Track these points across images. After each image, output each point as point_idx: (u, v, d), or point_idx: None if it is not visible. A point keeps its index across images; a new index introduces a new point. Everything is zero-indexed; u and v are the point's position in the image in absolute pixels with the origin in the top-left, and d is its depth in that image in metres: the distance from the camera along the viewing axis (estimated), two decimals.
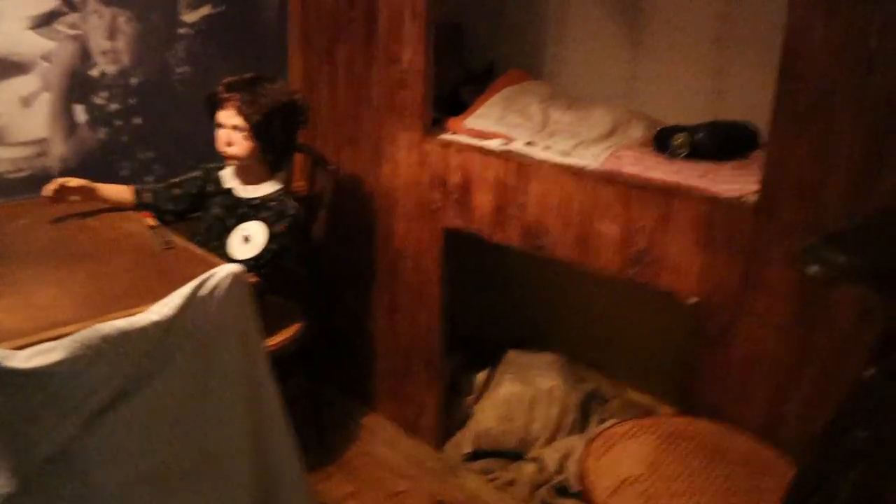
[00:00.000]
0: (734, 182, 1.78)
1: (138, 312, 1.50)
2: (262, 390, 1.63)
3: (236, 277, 1.50)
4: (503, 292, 3.02)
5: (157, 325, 1.39)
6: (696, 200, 1.78)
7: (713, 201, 1.76)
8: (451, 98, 2.64)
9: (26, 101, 2.30)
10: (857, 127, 1.54)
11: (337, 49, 2.56)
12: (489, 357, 2.81)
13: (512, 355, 2.74)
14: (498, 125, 2.25)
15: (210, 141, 2.22)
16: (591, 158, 1.99)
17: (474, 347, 2.90)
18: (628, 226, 1.90)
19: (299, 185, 2.67)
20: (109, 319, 1.46)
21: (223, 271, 1.49)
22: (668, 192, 1.82)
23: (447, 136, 2.32)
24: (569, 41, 2.70)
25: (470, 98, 2.55)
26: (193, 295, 1.44)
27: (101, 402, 1.36)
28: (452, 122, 2.35)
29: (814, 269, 0.90)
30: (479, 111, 2.35)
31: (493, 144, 2.19)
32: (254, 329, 1.59)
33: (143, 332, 1.38)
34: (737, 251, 1.74)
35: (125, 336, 1.35)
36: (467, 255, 2.51)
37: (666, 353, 2.57)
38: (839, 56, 1.54)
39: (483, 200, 2.21)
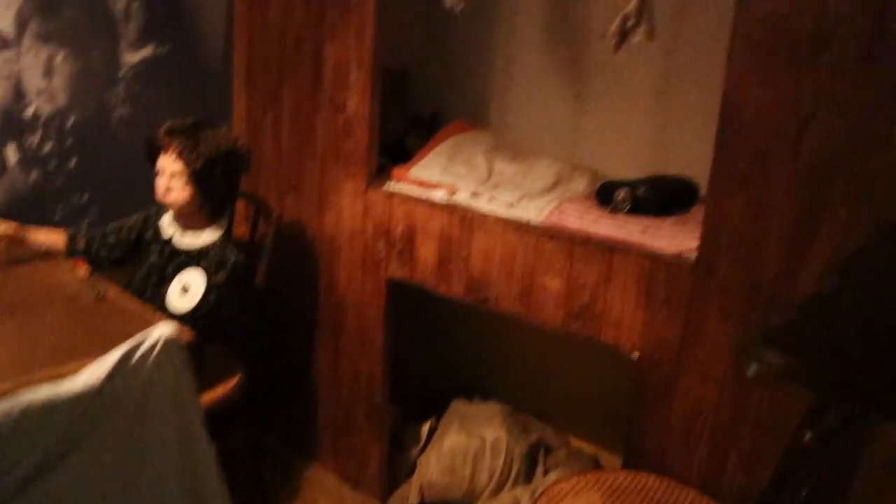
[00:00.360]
0: (674, 238, 1.80)
1: (68, 372, 1.44)
2: (198, 455, 1.57)
3: (170, 340, 1.44)
4: (449, 340, 3.00)
5: (84, 394, 1.33)
6: (638, 256, 1.80)
7: (654, 257, 1.78)
8: (397, 146, 2.64)
9: None
10: (792, 188, 1.58)
11: (282, 94, 2.54)
12: (434, 406, 2.78)
13: (457, 405, 2.72)
14: (442, 176, 2.25)
15: (150, 185, 2.16)
16: (534, 212, 2.00)
17: (419, 397, 2.87)
18: (571, 280, 1.90)
19: (241, 231, 2.62)
20: (37, 379, 1.40)
21: (156, 334, 1.43)
22: (611, 248, 1.84)
23: (392, 186, 2.31)
24: (514, 92, 2.74)
25: (415, 147, 2.55)
26: (125, 360, 1.38)
27: (23, 475, 1.28)
28: (397, 172, 2.35)
29: (754, 368, 0.91)
30: (423, 161, 2.35)
31: (438, 195, 2.18)
32: (189, 393, 1.53)
33: (70, 401, 1.31)
34: (677, 307, 1.76)
35: (49, 407, 1.28)
36: (412, 302, 2.49)
37: (610, 402, 2.58)
38: (773, 119, 1.59)
39: (427, 252, 2.20)
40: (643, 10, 1.71)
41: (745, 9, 1.61)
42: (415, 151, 2.50)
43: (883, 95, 1.47)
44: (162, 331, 1.43)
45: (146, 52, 2.55)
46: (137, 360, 1.39)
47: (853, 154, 1.51)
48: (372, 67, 2.25)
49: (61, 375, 1.42)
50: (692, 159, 2.20)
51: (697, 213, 1.95)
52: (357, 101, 2.30)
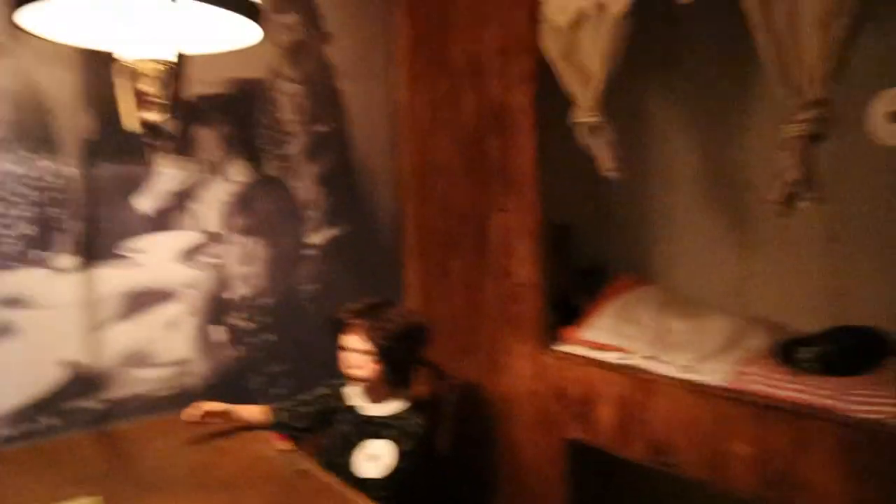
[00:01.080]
0: (872, 402, 1.72)
1: None
2: None
3: None
4: (633, 497, 2.92)
5: None
6: (834, 423, 1.73)
7: (853, 424, 1.70)
8: (562, 301, 2.71)
9: (173, 325, 2.52)
10: None
11: (450, 263, 2.71)
12: None
13: None
14: (613, 337, 2.29)
15: (335, 354, 2.34)
16: (713, 374, 1.99)
17: None
18: (761, 447, 1.85)
19: (419, 391, 2.74)
20: None
21: None
22: (802, 413, 1.78)
23: (563, 348, 2.36)
24: (676, 240, 2.77)
25: (580, 302, 2.61)
26: None
27: None
28: (567, 333, 2.41)
29: None
30: (593, 321, 2.40)
31: (611, 357, 2.22)
32: None
33: None
34: (887, 479, 1.65)
35: None
36: (593, 458, 2.47)
37: None
38: None
39: (605, 414, 2.21)
40: (810, 177, 1.73)
41: None
42: (580, 307, 2.56)
43: None
44: None
45: (328, 232, 2.82)
46: None
47: None
48: (537, 236, 2.38)
49: None
50: (874, 306, 2.12)
51: (890, 369, 1.86)
52: (524, 269, 2.42)
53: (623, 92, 2.24)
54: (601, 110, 2.21)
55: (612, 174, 2.24)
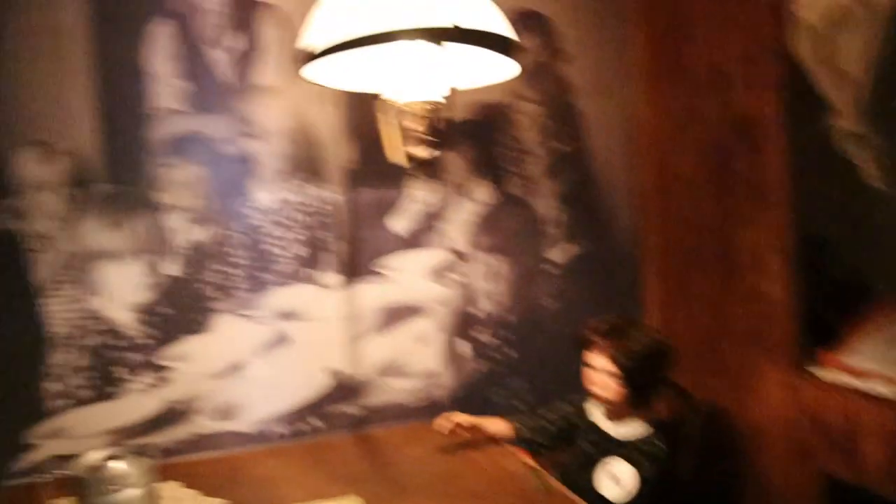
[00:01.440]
0: None
1: None
2: None
3: None
4: None
5: None
6: None
7: None
8: (815, 322, 2.52)
9: (423, 339, 2.70)
10: None
11: (693, 280, 2.63)
12: None
13: None
14: (880, 364, 2.09)
15: (576, 372, 2.36)
16: None
17: None
18: None
19: (660, 412, 2.69)
20: None
21: None
22: None
23: (820, 373, 2.20)
24: None
25: (836, 322, 2.41)
26: None
27: None
28: (825, 357, 2.24)
29: None
30: (854, 345, 2.21)
31: (879, 387, 2.03)
32: None
33: None
34: None
35: None
36: (854, 496, 2.28)
37: None
38: None
39: (871, 450, 2.03)
40: None
41: None
42: (836, 327, 2.37)
43: None
44: None
45: (569, 249, 2.86)
46: None
47: None
48: (790, 252, 2.24)
49: None
50: None
51: None
52: (775, 287, 2.29)
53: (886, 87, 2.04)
54: (867, 117, 2.04)
55: (879, 185, 2.06)
